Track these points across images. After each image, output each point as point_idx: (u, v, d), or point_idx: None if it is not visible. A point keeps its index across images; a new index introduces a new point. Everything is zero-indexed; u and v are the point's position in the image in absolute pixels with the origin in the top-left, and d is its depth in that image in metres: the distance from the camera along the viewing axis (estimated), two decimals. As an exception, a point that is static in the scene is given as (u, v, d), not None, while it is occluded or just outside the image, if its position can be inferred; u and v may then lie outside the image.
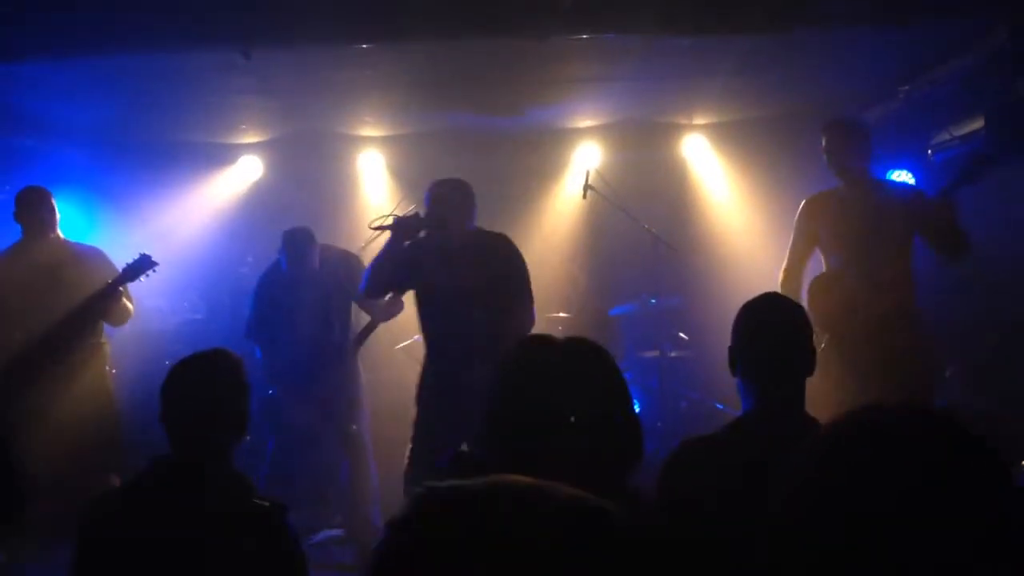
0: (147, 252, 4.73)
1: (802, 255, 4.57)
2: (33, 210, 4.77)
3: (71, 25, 4.31)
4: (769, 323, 2.40)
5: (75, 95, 5.56)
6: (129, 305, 4.81)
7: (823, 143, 4.52)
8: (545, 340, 1.76)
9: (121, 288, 4.69)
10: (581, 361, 1.69)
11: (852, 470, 1.09)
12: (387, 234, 4.34)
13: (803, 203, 4.60)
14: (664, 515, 2.04)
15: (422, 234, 4.31)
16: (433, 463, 3.84)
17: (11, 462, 2.36)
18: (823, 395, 2.75)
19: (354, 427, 5.27)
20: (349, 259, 5.39)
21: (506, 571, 0.89)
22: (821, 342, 4.13)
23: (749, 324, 2.40)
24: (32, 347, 4.55)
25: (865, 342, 4.16)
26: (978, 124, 5.11)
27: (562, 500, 0.95)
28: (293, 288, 5.21)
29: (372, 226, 4.35)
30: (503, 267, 4.33)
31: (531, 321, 4.37)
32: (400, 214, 5.45)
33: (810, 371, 2.35)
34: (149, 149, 6.64)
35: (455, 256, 4.28)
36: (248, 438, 2.53)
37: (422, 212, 4.33)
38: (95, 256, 4.90)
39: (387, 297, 4.88)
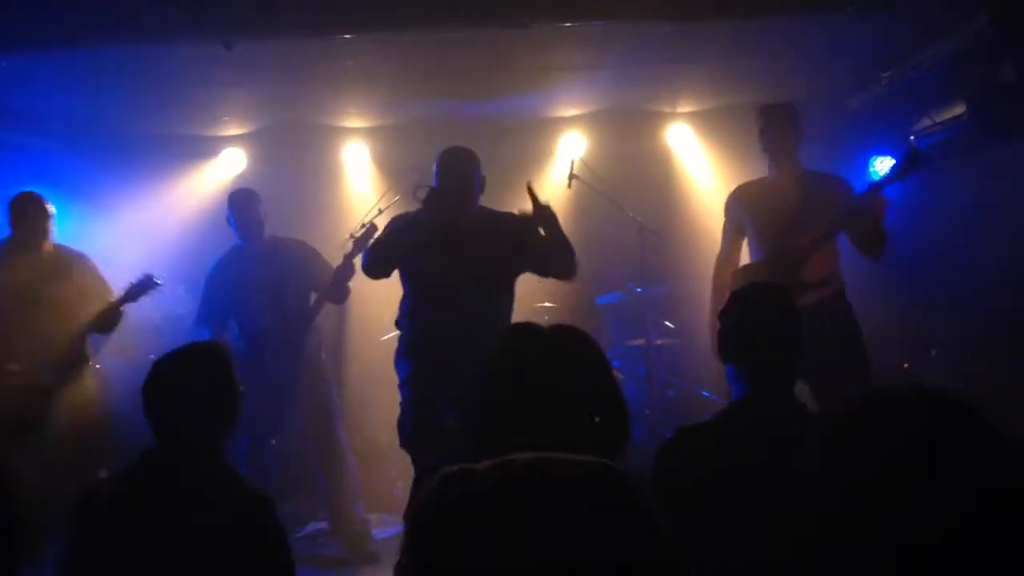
0: (150, 272, 4.71)
1: (733, 244, 4.55)
2: (26, 216, 4.72)
3: (48, 16, 4.27)
4: (758, 309, 2.41)
5: (52, 87, 5.50)
6: (120, 317, 4.82)
7: (760, 125, 4.49)
8: (531, 329, 1.77)
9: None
10: (567, 348, 1.69)
11: (872, 444, 1.09)
12: (383, 221, 4.27)
13: (733, 190, 4.60)
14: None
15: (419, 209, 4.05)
16: (432, 427, 3.79)
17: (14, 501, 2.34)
18: None
19: (324, 425, 5.23)
20: (305, 248, 5.34)
21: (535, 541, 0.90)
22: None
23: (738, 311, 2.42)
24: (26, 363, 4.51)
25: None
26: (960, 110, 5.14)
27: (571, 464, 0.97)
28: (250, 267, 5.12)
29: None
30: (517, 243, 4.12)
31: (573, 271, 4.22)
32: (384, 206, 5.45)
33: (799, 355, 2.37)
34: (129, 143, 6.58)
35: (470, 233, 4.06)
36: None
37: (426, 186, 4.06)
38: (84, 265, 4.86)
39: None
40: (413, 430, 3.93)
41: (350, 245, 4.82)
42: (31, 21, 4.26)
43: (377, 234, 4.45)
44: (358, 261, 4.64)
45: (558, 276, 4.28)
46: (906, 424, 1.08)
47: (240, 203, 5.21)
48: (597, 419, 1.65)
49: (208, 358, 2.47)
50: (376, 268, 4.17)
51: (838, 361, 3.84)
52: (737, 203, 4.55)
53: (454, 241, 4.04)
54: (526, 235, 4.14)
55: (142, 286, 4.69)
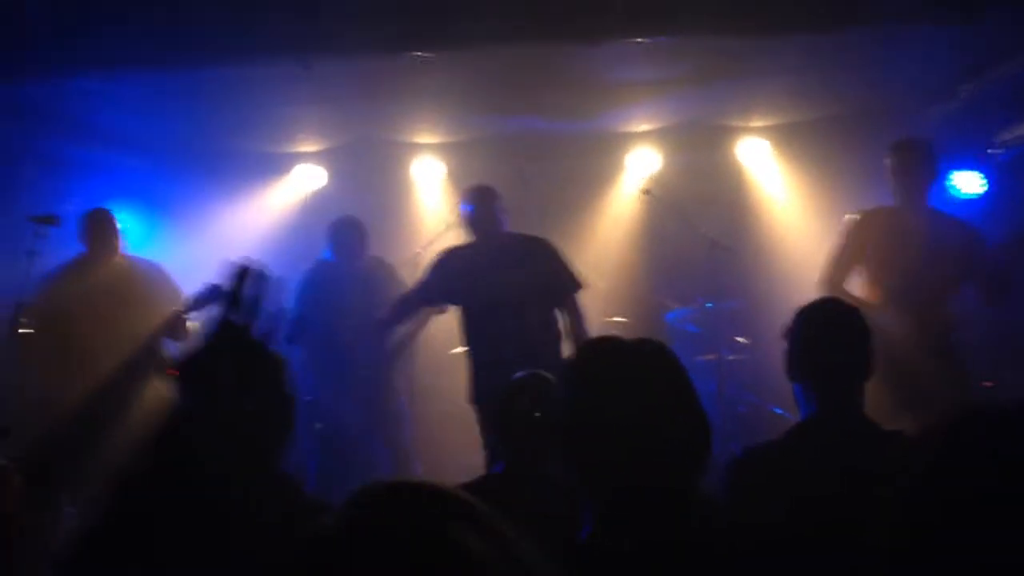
0: (215, 283, 4.82)
1: (847, 269, 4.41)
2: (98, 233, 4.88)
3: (135, 40, 4.42)
4: (827, 327, 2.38)
5: (137, 108, 5.68)
6: (190, 326, 4.92)
7: (890, 163, 4.42)
8: (612, 341, 1.75)
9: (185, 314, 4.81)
10: (649, 361, 1.66)
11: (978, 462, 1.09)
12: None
13: (857, 216, 4.47)
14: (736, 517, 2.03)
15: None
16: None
17: None
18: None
19: (399, 437, 5.31)
20: (383, 266, 5.45)
21: None
22: None
23: (807, 329, 2.39)
24: (104, 373, 4.64)
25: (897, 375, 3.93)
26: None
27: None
28: (339, 284, 5.25)
29: None
30: (545, 269, 4.53)
31: (580, 315, 4.53)
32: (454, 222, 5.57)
33: (869, 374, 2.33)
34: (208, 160, 6.75)
35: (498, 263, 4.48)
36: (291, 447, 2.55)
37: (459, 222, 4.67)
38: (156, 276, 5.00)
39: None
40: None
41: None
42: (119, 45, 4.42)
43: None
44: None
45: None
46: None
47: (345, 231, 5.38)
48: (678, 432, 1.63)
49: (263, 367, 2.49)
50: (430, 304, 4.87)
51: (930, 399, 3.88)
52: (861, 228, 4.42)
53: (487, 267, 4.51)
54: (554, 265, 4.60)
55: (206, 296, 4.80)
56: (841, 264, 4.42)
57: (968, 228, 4.38)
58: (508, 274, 4.45)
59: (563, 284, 4.57)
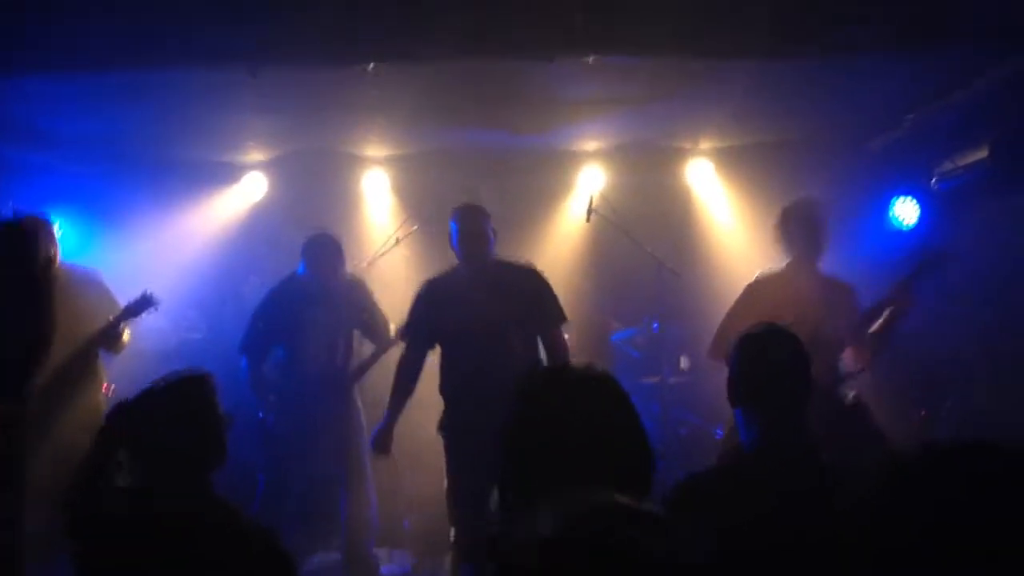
0: (148, 291, 4.73)
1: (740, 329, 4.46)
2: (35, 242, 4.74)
3: (77, 40, 4.30)
4: (769, 353, 2.39)
5: (77, 109, 5.54)
6: (126, 337, 4.81)
7: (784, 222, 4.50)
8: (554, 371, 1.76)
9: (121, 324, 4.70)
10: (593, 390, 1.66)
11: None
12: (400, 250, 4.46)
13: (754, 283, 4.54)
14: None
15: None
16: (475, 503, 3.97)
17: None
18: None
19: (354, 455, 5.21)
20: (358, 284, 5.37)
21: None
22: None
23: (749, 355, 2.39)
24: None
25: None
26: (983, 154, 5.11)
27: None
28: (312, 303, 5.13)
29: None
30: (534, 299, 4.43)
31: (564, 348, 4.47)
32: (401, 236, 5.51)
33: (808, 399, 2.33)
34: (151, 166, 6.63)
35: (484, 291, 4.35)
36: (226, 464, 2.48)
37: (451, 242, 4.44)
38: (93, 285, 4.87)
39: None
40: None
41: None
42: (61, 46, 4.31)
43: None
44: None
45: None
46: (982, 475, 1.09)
47: (326, 250, 5.23)
48: (622, 460, 1.62)
49: (187, 395, 2.44)
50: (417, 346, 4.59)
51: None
52: (757, 291, 4.49)
53: (472, 295, 4.36)
54: (542, 296, 4.49)
55: (140, 305, 4.71)
56: (735, 323, 4.45)
57: (851, 291, 4.47)
58: (494, 303, 4.33)
59: (549, 316, 4.48)
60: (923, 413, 5.75)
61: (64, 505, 2.41)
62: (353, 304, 5.22)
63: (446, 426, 4.44)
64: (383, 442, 4.52)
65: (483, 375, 4.20)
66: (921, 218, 5.62)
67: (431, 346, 4.58)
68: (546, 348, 4.47)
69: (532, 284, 4.50)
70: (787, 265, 4.50)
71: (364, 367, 5.24)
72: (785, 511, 2.01)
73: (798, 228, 4.48)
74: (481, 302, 4.33)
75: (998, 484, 1.09)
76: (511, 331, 4.33)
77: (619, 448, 1.60)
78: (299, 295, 5.17)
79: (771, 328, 2.51)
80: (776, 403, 2.30)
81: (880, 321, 4.23)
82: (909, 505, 1.12)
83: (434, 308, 4.48)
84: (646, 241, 5.86)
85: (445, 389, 4.49)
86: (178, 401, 2.41)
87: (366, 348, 5.37)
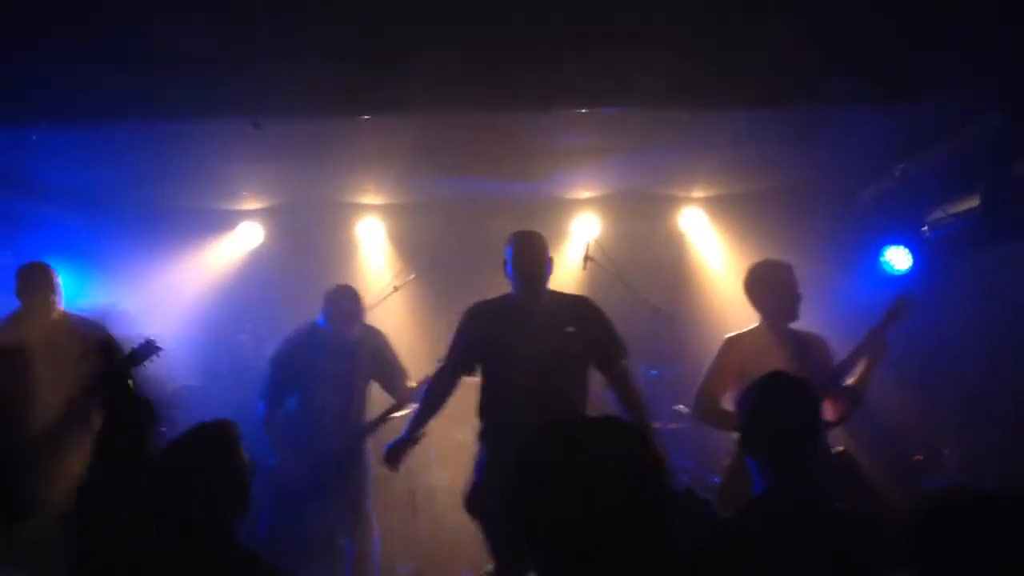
0: (150, 337, 4.71)
1: (721, 387, 4.47)
2: (36, 287, 4.74)
3: (77, 92, 4.34)
4: (779, 402, 2.39)
5: (73, 160, 5.58)
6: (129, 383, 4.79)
7: (747, 287, 4.57)
8: (572, 426, 1.61)
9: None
10: (613, 448, 1.51)
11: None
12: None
13: (726, 343, 4.56)
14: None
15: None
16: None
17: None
18: None
19: (362, 506, 5.18)
20: (377, 334, 5.39)
21: None
22: None
23: (759, 404, 2.39)
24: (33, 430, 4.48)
25: None
26: (974, 203, 5.17)
27: None
28: (333, 354, 5.13)
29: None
30: (596, 331, 4.17)
31: (634, 383, 4.24)
32: (399, 284, 5.51)
33: (820, 445, 2.35)
34: (147, 214, 6.65)
35: (538, 321, 4.10)
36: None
37: (505, 268, 4.20)
38: (93, 333, 4.86)
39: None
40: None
41: None
42: (60, 97, 4.34)
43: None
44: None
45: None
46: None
47: (350, 302, 5.24)
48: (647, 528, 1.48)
49: (216, 440, 2.45)
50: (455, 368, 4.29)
51: None
52: (734, 349, 4.51)
53: (526, 324, 4.08)
54: (604, 328, 4.21)
55: (144, 351, 4.68)
56: (715, 382, 4.49)
57: (824, 344, 4.50)
58: (553, 331, 4.05)
59: (610, 351, 4.17)
60: (919, 458, 5.76)
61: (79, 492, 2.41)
62: (370, 355, 5.23)
63: (484, 468, 4.08)
64: (396, 457, 4.27)
65: (534, 408, 3.75)
66: (913, 266, 5.66)
67: (470, 370, 4.26)
68: (613, 385, 4.19)
69: (593, 315, 4.22)
70: (759, 323, 4.55)
71: (379, 420, 5.23)
72: (801, 558, 2.00)
73: (760, 293, 4.53)
74: (539, 328, 4.05)
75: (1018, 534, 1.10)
76: (567, 367, 4.06)
77: (637, 509, 1.47)
78: (317, 345, 5.17)
79: (777, 376, 2.51)
80: (789, 451, 2.29)
81: (857, 371, 4.27)
82: (936, 553, 1.13)
83: (485, 331, 4.18)
84: (641, 288, 5.89)
85: (486, 416, 4.16)
86: (208, 445, 2.42)
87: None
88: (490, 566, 4.08)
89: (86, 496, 2.40)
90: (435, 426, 4.46)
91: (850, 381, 4.30)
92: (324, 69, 4.26)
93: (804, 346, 4.40)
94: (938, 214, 5.55)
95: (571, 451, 1.52)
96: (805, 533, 2.12)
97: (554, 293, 4.28)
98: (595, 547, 1.43)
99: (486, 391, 4.19)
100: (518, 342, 4.04)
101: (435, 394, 4.31)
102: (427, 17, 3.85)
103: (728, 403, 4.46)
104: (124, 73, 4.20)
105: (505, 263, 4.22)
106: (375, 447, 5.89)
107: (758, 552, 2.08)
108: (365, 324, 5.35)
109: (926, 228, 5.65)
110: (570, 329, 4.09)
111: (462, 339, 4.28)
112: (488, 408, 4.16)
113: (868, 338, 4.26)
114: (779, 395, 2.41)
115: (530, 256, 4.16)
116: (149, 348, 4.69)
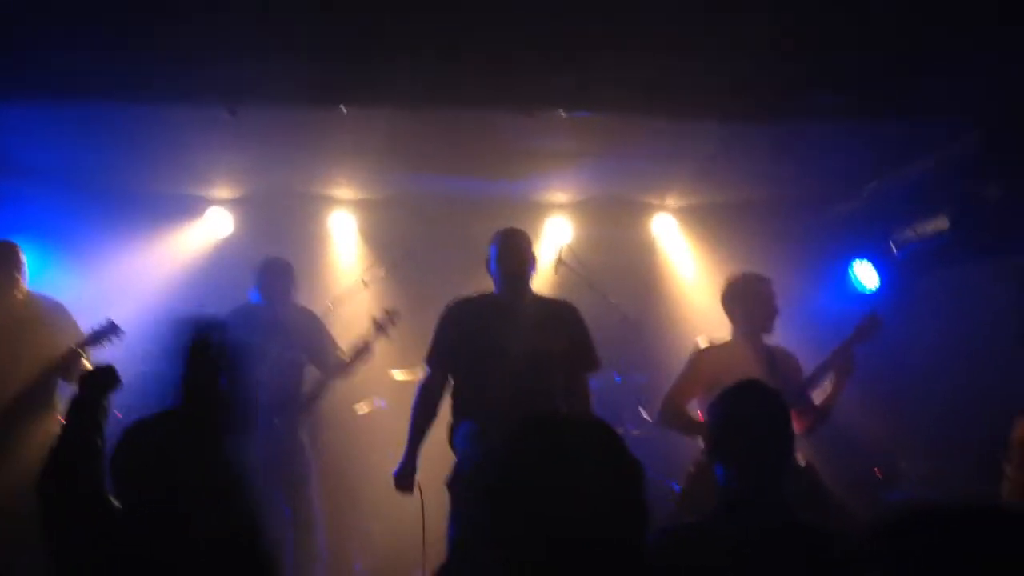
0: (112, 319, 4.67)
1: (688, 395, 4.52)
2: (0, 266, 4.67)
3: (53, 69, 4.27)
4: (749, 410, 2.39)
5: (45, 138, 5.49)
6: (88, 365, 4.73)
7: (724, 298, 4.61)
8: (546, 423, 1.65)
9: (81, 351, 4.63)
10: (588, 446, 1.57)
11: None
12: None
13: (697, 353, 4.60)
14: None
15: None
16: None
17: None
18: None
19: (303, 494, 5.11)
20: (309, 313, 5.32)
21: None
22: None
23: (728, 412, 2.39)
24: None
25: None
26: (943, 224, 5.22)
27: None
28: (266, 330, 5.06)
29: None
30: (575, 336, 4.16)
31: (587, 396, 4.24)
32: (368, 279, 5.46)
33: (791, 456, 2.35)
34: (115, 197, 6.54)
35: (530, 317, 4.07)
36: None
37: (488, 266, 4.17)
38: (58, 314, 4.80)
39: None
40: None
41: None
42: (37, 73, 4.27)
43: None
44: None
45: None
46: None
47: (278, 272, 5.25)
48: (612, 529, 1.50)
49: (187, 427, 2.39)
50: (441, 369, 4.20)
51: None
52: (705, 360, 4.54)
53: (510, 322, 4.05)
54: (582, 336, 4.22)
55: (103, 332, 4.65)
56: (683, 390, 4.54)
57: (794, 359, 4.57)
58: (533, 335, 3.99)
59: (583, 360, 4.19)
60: (877, 472, 5.81)
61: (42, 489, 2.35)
62: (303, 331, 5.16)
63: (457, 473, 3.98)
64: (405, 483, 4.12)
65: (519, 404, 3.72)
66: (881, 283, 5.71)
67: (455, 367, 4.17)
68: (569, 390, 4.13)
69: (575, 321, 4.20)
70: (731, 335, 4.57)
71: (313, 396, 5.16)
72: (769, 568, 2.01)
73: (738, 306, 4.56)
74: (523, 327, 4.01)
75: (988, 546, 1.11)
76: (552, 363, 4.02)
77: (609, 507, 1.50)
78: (250, 323, 5.08)
79: (748, 384, 2.52)
80: (759, 460, 2.29)
81: (825, 387, 4.31)
82: (899, 565, 1.13)
83: (464, 328, 4.13)
84: (612, 294, 5.89)
85: (467, 412, 4.06)
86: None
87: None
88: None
89: (52, 470, 2.33)
90: (396, 423, 4.43)
91: (819, 400, 4.33)
92: (303, 58, 4.23)
93: (775, 360, 4.43)
94: (908, 234, 5.60)
95: (550, 448, 1.54)
96: (774, 543, 2.12)
97: (537, 295, 4.27)
98: (566, 545, 1.44)
99: (465, 387, 4.13)
100: (503, 339, 3.99)
101: (426, 399, 4.21)
102: (409, 16, 3.81)
103: (693, 410, 4.48)
104: (105, 59, 4.15)
105: (488, 260, 4.19)
106: (336, 441, 5.87)
107: (727, 560, 2.08)
108: (298, 305, 5.30)
109: (894, 246, 5.71)
110: (552, 330, 4.07)
111: (444, 335, 4.21)
112: (472, 404, 4.06)
113: (836, 354, 4.30)
114: (752, 404, 2.41)
115: (515, 254, 4.14)
116: (109, 329, 4.66)
